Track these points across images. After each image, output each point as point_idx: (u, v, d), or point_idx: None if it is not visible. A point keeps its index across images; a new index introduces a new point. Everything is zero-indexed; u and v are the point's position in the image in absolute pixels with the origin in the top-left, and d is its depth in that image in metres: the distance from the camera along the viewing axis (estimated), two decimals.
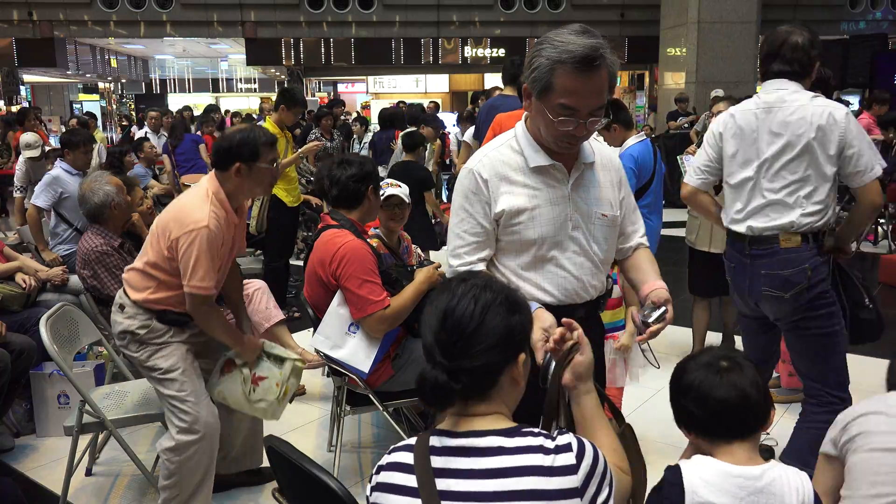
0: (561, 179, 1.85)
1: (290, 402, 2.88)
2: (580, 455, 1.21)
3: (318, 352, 2.99)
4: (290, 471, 1.75)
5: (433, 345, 1.25)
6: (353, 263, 2.70)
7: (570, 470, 1.19)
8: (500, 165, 1.84)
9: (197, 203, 2.55)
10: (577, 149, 1.85)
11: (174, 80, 28.46)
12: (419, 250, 3.61)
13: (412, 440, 1.29)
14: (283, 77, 19.90)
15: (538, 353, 1.54)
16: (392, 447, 1.31)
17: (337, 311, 2.80)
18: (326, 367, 3.42)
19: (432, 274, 2.86)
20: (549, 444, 1.22)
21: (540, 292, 1.86)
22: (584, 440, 1.25)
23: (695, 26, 11.98)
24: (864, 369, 4.25)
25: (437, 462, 1.22)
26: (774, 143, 2.62)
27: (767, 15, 13.34)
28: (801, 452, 2.66)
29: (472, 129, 5.91)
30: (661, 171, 4.37)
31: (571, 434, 1.26)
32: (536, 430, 1.26)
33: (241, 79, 28.83)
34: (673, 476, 1.50)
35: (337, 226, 2.83)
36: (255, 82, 28.60)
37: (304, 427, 3.72)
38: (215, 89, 28.65)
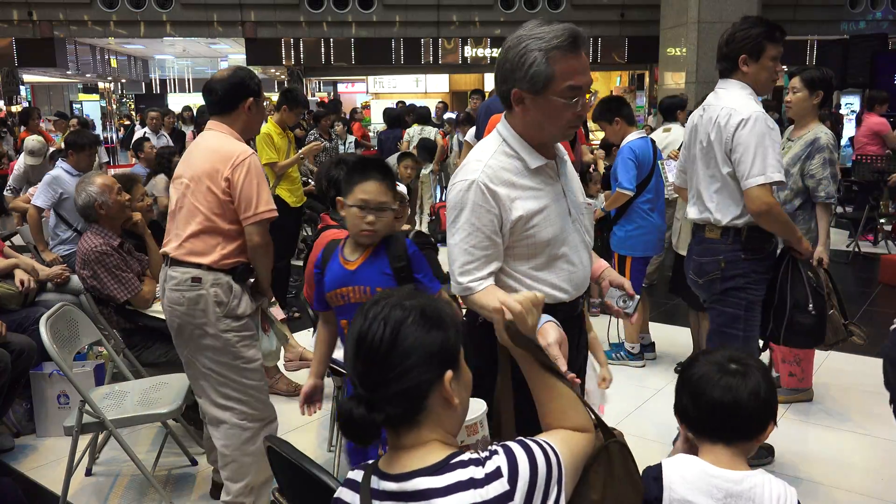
0: (554, 176, 1.88)
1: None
2: (513, 478, 1.14)
3: None
4: (290, 471, 1.75)
5: (353, 376, 1.17)
6: None
7: (506, 497, 1.12)
8: (503, 173, 1.79)
9: (227, 141, 2.64)
10: (572, 135, 1.90)
11: (174, 80, 28.46)
12: None
13: (356, 475, 1.24)
14: (283, 77, 19.89)
15: None
16: (343, 480, 1.27)
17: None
18: (337, 395, 3.42)
19: None
20: (479, 473, 1.13)
21: (556, 291, 1.86)
22: (516, 453, 1.17)
23: (695, 26, 11.98)
24: (863, 370, 4.26)
25: None
26: (700, 141, 2.88)
27: (767, 15, 13.30)
28: None
29: (473, 130, 5.91)
30: (659, 168, 4.36)
31: (501, 452, 1.17)
32: (466, 457, 1.16)
33: None
34: (653, 471, 1.51)
35: (336, 226, 2.82)
36: None
37: (303, 427, 3.72)
38: None
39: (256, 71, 24.65)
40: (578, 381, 1.59)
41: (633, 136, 4.33)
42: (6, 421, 3.65)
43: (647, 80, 17.71)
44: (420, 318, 1.17)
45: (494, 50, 16.93)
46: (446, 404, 1.19)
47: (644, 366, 4.52)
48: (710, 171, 2.84)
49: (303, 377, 4.18)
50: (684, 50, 12.34)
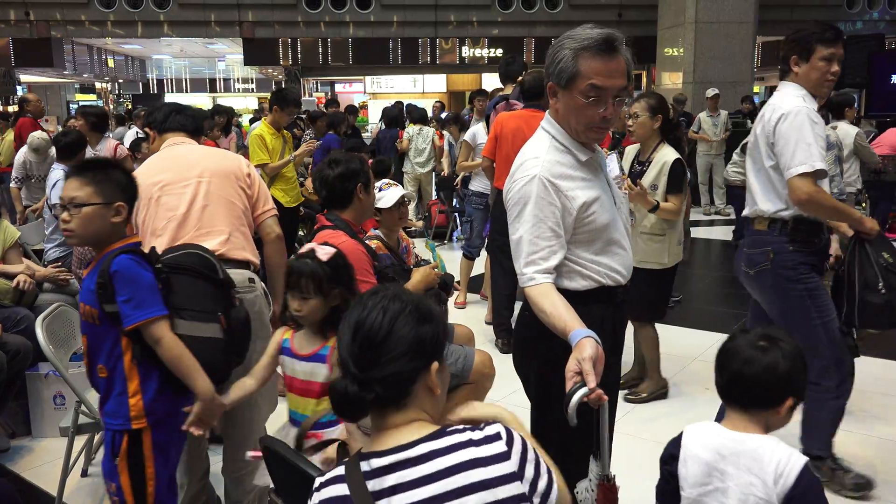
0: (598, 168, 2.01)
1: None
2: (510, 442, 1.24)
3: None
4: (286, 469, 1.75)
5: (347, 358, 1.27)
6: None
7: (503, 457, 1.22)
8: (558, 167, 1.90)
9: (227, 151, 2.87)
10: (604, 136, 1.99)
11: (171, 80, 28.45)
12: (415, 250, 3.60)
13: (339, 471, 1.27)
14: (280, 77, 19.91)
15: (568, 381, 1.62)
16: (319, 482, 1.29)
17: None
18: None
19: (429, 274, 2.86)
20: (477, 436, 1.24)
21: (614, 273, 1.99)
22: (512, 430, 1.28)
23: (692, 26, 11.99)
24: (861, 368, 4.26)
25: (372, 485, 1.22)
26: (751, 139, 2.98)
27: (765, 15, 13.36)
28: (807, 432, 3.01)
29: (474, 129, 5.90)
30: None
31: (500, 424, 1.28)
32: (461, 426, 1.27)
33: (238, 79, 28.83)
34: (679, 434, 1.71)
35: (331, 226, 2.81)
36: (252, 82, 28.59)
37: None
38: (213, 89, 28.64)
39: (253, 71, 24.66)
40: (606, 398, 1.62)
41: None
42: (2, 421, 3.64)
43: (644, 80, 17.72)
44: (415, 311, 1.29)
45: (492, 50, 16.94)
46: (429, 391, 1.30)
47: None
48: (756, 166, 2.93)
49: None
50: (682, 50, 12.35)
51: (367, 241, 2.88)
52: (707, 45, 11.97)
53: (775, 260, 2.88)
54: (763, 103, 3.20)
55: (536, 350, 2.01)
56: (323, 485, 1.28)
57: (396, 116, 9.52)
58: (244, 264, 2.62)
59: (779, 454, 1.57)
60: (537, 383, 2.08)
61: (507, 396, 4.01)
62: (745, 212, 3.05)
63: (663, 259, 3.77)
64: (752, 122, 11.08)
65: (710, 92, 9.87)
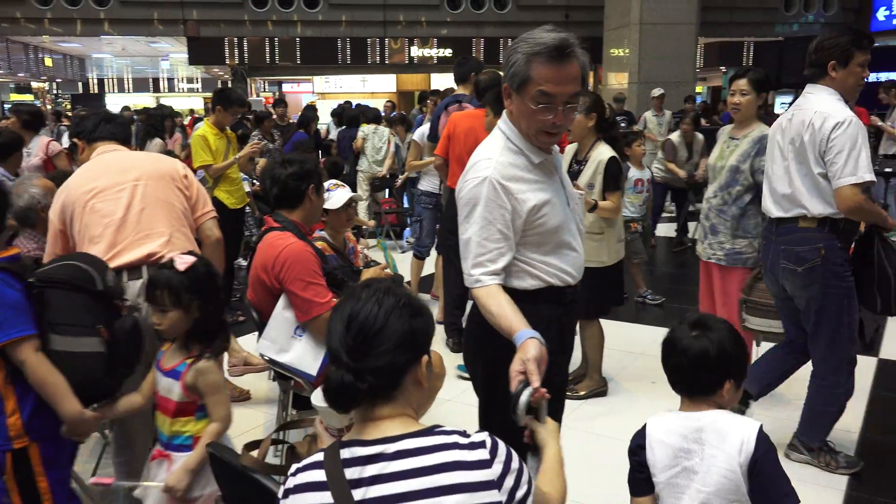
0: (553, 171, 2.02)
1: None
2: (493, 451, 1.26)
3: (262, 356, 2.93)
4: (234, 478, 1.72)
5: (339, 348, 1.28)
6: (296, 266, 2.66)
7: (484, 464, 1.24)
8: (511, 168, 1.90)
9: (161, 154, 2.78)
10: (556, 140, 1.98)
11: (113, 79, 27.70)
12: (366, 251, 3.59)
13: (318, 457, 1.28)
14: (227, 77, 19.57)
15: (513, 381, 1.63)
16: (295, 468, 1.29)
17: (282, 315, 2.75)
18: (272, 371, 3.37)
19: (378, 275, 2.84)
20: (463, 440, 1.26)
21: (564, 275, 2.01)
22: (498, 439, 1.30)
23: (637, 27, 12.22)
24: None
25: (351, 473, 1.23)
26: (792, 140, 3.03)
27: (706, 17, 13.70)
28: (811, 424, 3.18)
29: (423, 128, 5.91)
30: None
31: (486, 433, 1.30)
32: (449, 428, 1.29)
33: (183, 78, 28.23)
34: (643, 426, 1.80)
35: (280, 228, 2.78)
36: (198, 82, 28.03)
37: (249, 433, 3.66)
38: (156, 89, 27.99)
39: (199, 70, 24.17)
40: (548, 396, 1.63)
41: None
42: None
43: (591, 80, 17.99)
44: (408, 305, 1.32)
45: (441, 50, 16.97)
46: (417, 384, 1.33)
47: None
48: (803, 170, 3.00)
49: (247, 382, 4.11)
50: (627, 51, 12.58)
51: (312, 243, 2.85)
52: (651, 45, 12.22)
53: (827, 257, 2.97)
54: (703, 103, 3.25)
55: (484, 349, 2.03)
56: (299, 469, 1.28)
57: (356, 116, 9.50)
58: None
59: (736, 424, 1.67)
60: (484, 382, 2.10)
61: (459, 395, 4.02)
62: (783, 213, 3.10)
63: (602, 257, 3.82)
64: (698, 122, 11.30)
65: (656, 92, 10.07)
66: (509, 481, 1.25)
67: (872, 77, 11.47)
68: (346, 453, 1.25)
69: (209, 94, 21.57)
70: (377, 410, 1.30)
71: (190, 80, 28.20)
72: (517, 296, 1.91)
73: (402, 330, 1.29)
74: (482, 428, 2.06)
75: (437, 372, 2.98)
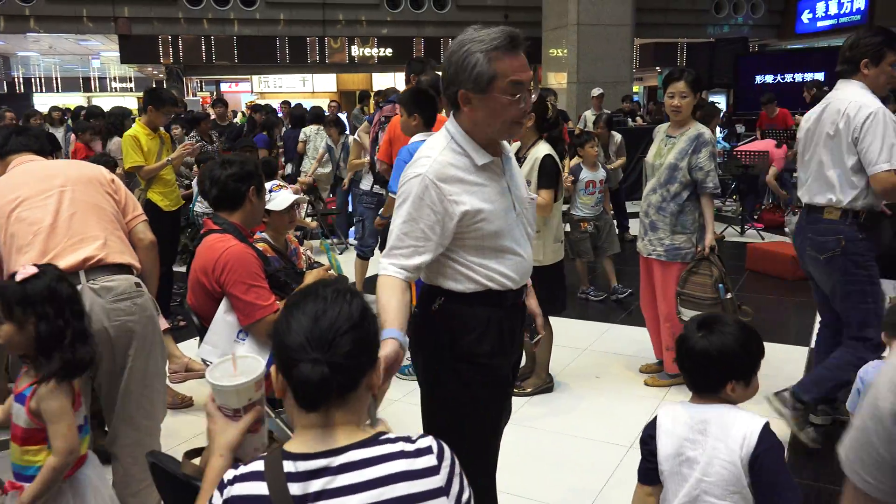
0: (499, 173, 1.98)
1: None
2: (440, 456, 1.25)
3: (205, 361, 2.87)
4: (178, 487, 1.68)
5: (303, 343, 1.22)
6: (237, 269, 2.61)
7: (432, 471, 1.22)
8: (450, 169, 1.88)
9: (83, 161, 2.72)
10: (518, 132, 2.01)
11: (40, 78, 26.65)
12: (309, 252, 3.55)
13: (257, 466, 1.23)
14: (161, 76, 19.05)
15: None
16: (231, 475, 1.23)
17: (224, 319, 2.70)
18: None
19: (323, 276, 2.82)
20: (410, 447, 1.24)
21: (504, 279, 1.98)
22: (442, 443, 1.28)
23: (574, 28, 12.41)
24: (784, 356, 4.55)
25: (295, 489, 1.18)
26: (826, 132, 3.17)
27: (640, 19, 14.02)
28: (815, 377, 3.34)
29: (364, 127, 5.89)
30: None
31: (430, 437, 1.28)
32: (394, 436, 1.27)
33: (115, 77, 27.36)
34: (654, 417, 1.86)
35: (219, 230, 2.72)
36: (131, 81, 27.21)
37: (192, 440, 3.58)
38: (87, 89, 27.04)
39: (132, 69, 23.47)
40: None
41: (419, 137, 4.02)
42: None
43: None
44: (369, 310, 1.30)
45: (382, 49, 16.91)
46: (368, 390, 1.30)
47: None
48: (834, 159, 3.14)
49: (189, 388, 4.02)
50: (565, 51, 12.76)
51: (253, 245, 2.80)
52: (589, 46, 12.43)
53: (846, 247, 3.14)
54: (636, 104, 3.36)
55: (423, 341, 2.04)
56: (237, 479, 1.22)
57: (302, 116, 9.41)
58: (127, 269, 2.49)
59: (741, 418, 1.72)
60: (424, 370, 2.10)
61: (406, 396, 4.02)
62: (813, 200, 3.25)
63: (538, 256, 3.86)
64: (633, 121, 11.53)
65: (596, 91, 10.24)
66: (455, 485, 1.24)
67: (798, 77, 11.95)
68: (289, 466, 1.20)
69: (143, 94, 20.98)
70: (330, 416, 1.25)
71: (123, 80, 27.35)
72: (453, 297, 1.93)
73: (366, 333, 1.28)
74: (427, 427, 2.08)
75: None
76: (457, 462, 1.27)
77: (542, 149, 3.84)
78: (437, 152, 1.90)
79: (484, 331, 1.86)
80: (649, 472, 1.83)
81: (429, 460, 1.23)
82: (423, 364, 2.09)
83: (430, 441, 1.26)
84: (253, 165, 2.83)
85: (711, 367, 1.76)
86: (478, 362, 1.98)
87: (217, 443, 1.43)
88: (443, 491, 1.22)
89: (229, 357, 1.52)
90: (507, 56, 1.82)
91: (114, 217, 2.55)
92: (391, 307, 1.80)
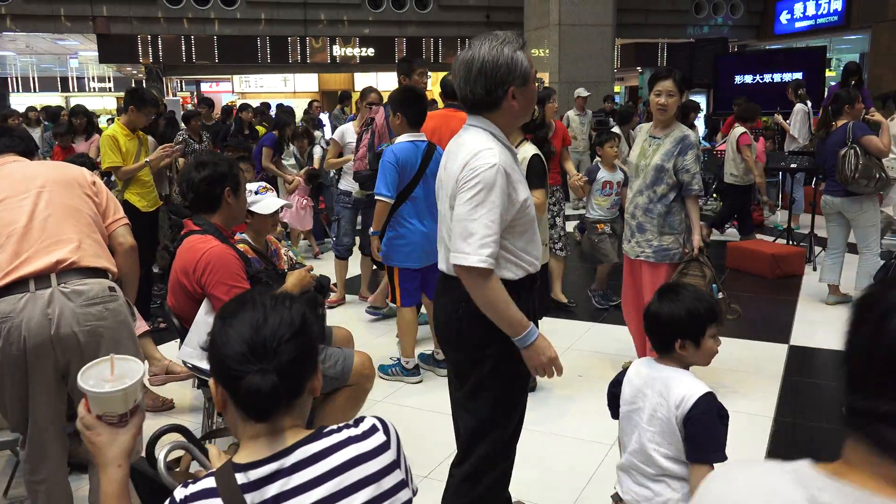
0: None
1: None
2: (387, 432, 1.28)
3: (185, 363, 2.85)
4: (155, 490, 1.66)
5: (244, 354, 1.20)
6: (218, 270, 2.59)
7: (384, 447, 1.26)
8: (510, 160, 2.08)
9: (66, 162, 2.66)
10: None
11: (17, 78, 26.28)
12: (290, 253, 3.53)
13: (207, 483, 1.19)
14: (141, 76, 18.86)
15: (539, 374, 2.15)
16: (181, 495, 1.19)
17: (205, 320, 2.68)
18: (196, 379, 3.28)
19: (304, 277, 2.80)
20: (356, 431, 1.26)
21: (536, 262, 2.19)
22: (383, 419, 1.31)
23: (556, 28, 12.44)
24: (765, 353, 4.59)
25: (251, 498, 1.16)
26: None
27: (622, 20, 14.08)
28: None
29: (343, 127, 5.86)
30: (429, 174, 4.08)
31: (369, 416, 1.31)
32: (335, 426, 1.27)
33: (94, 77, 27.06)
34: (626, 367, 2.15)
35: (200, 231, 2.70)
36: (110, 81, 26.91)
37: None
38: (65, 89, 26.71)
39: (110, 69, 23.18)
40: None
41: (403, 138, 4.06)
42: None
43: None
44: (308, 316, 1.29)
45: (364, 49, 16.85)
46: (311, 394, 1.30)
47: (421, 381, 4.24)
48: None
49: (170, 391, 3.98)
50: (547, 51, 12.79)
51: (234, 245, 2.78)
52: (571, 46, 12.47)
53: None
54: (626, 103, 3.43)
55: (467, 336, 2.15)
56: (189, 498, 1.18)
57: (291, 114, 9.42)
58: (101, 272, 2.45)
59: (685, 383, 1.94)
60: (469, 364, 2.18)
61: (390, 396, 4.01)
62: None
63: None
64: (615, 121, 11.62)
65: (582, 92, 10.26)
66: (403, 457, 1.28)
67: (777, 77, 12.04)
68: (241, 477, 1.18)
69: (123, 94, 20.78)
70: (278, 422, 1.24)
71: (101, 80, 27.04)
72: (507, 286, 2.05)
73: (307, 339, 1.26)
74: (489, 427, 2.21)
75: (367, 373, 2.96)
76: (398, 434, 1.31)
77: (529, 149, 3.86)
78: (498, 146, 2.05)
79: (526, 315, 2.06)
80: (615, 411, 2.13)
81: (378, 438, 1.26)
82: (468, 358, 2.18)
83: (373, 420, 1.29)
84: (227, 166, 2.80)
85: (663, 329, 2.00)
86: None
87: (109, 455, 1.38)
88: (396, 464, 1.25)
89: (99, 360, 1.45)
90: (528, 54, 2.10)
91: (91, 220, 2.51)
92: (514, 308, 2.02)
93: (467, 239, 1.97)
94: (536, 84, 2.17)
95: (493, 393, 2.18)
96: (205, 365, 2.68)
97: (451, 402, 2.41)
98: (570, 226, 7.36)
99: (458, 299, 2.10)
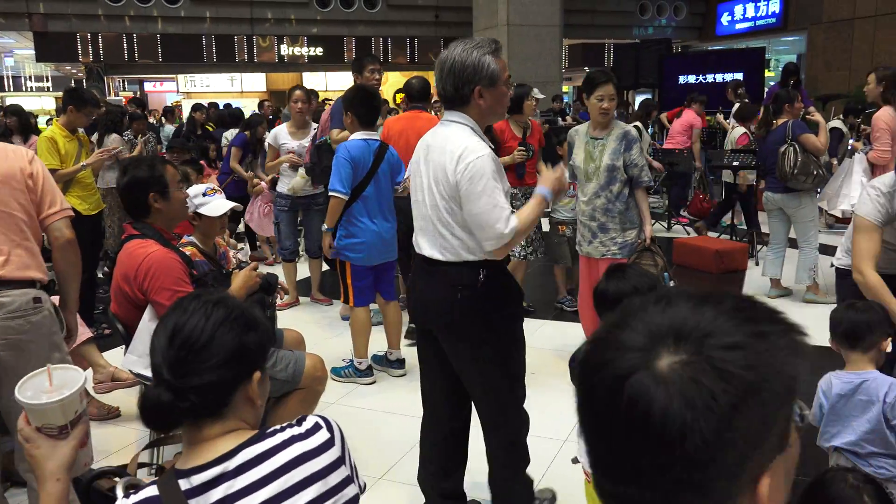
0: None
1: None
2: (330, 429, 1.27)
3: (131, 371, 2.78)
4: (102, 501, 1.62)
5: (161, 363, 1.21)
6: (160, 275, 2.52)
7: (328, 444, 1.24)
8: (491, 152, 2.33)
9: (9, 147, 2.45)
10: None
11: None
12: (240, 255, 3.47)
13: (150, 492, 1.17)
14: (80, 75, 18.30)
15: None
16: (124, 499, 1.18)
17: (148, 327, 2.61)
18: (143, 387, 3.19)
19: (249, 277, 2.74)
20: (299, 430, 1.24)
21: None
22: (326, 417, 1.30)
23: (504, 28, 12.53)
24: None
25: (196, 503, 1.15)
26: None
27: (569, 20, 14.26)
28: None
29: (276, 130, 5.76)
30: (381, 173, 4.09)
31: (311, 416, 1.29)
32: (279, 426, 1.25)
33: (31, 76, 26.16)
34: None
35: (140, 235, 2.63)
36: (47, 80, 26.05)
37: (119, 452, 3.45)
38: (0, 88, 25.77)
39: (48, 68, 22.47)
40: None
41: (356, 136, 4.05)
42: None
43: None
44: (240, 318, 1.25)
45: (312, 49, 16.69)
46: (249, 402, 1.26)
47: (374, 382, 4.22)
48: None
49: (116, 399, 3.88)
50: None
51: (180, 249, 2.72)
52: (519, 46, 12.57)
53: None
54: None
55: (471, 312, 2.37)
56: None
57: (224, 117, 9.23)
58: (28, 283, 2.35)
59: None
60: (477, 336, 2.41)
61: (343, 397, 3.98)
62: None
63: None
64: (563, 120, 11.76)
65: (537, 94, 10.27)
66: (347, 452, 1.27)
67: (719, 77, 12.34)
68: (184, 484, 1.17)
69: (61, 94, 20.14)
70: (204, 430, 1.21)
71: (39, 79, 26.16)
72: (496, 267, 2.36)
73: (231, 345, 1.22)
74: (505, 394, 2.50)
75: (319, 376, 2.94)
76: (342, 431, 1.29)
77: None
78: (477, 141, 2.30)
79: (517, 286, 2.44)
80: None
81: (322, 435, 1.25)
82: (473, 332, 2.39)
83: (315, 419, 1.28)
84: (147, 170, 2.71)
85: (611, 305, 2.02)
86: (517, 314, 2.54)
87: (48, 468, 1.33)
88: (341, 460, 1.25)
89: (38, 371, 1.41)
90: (499, 59, 2.34)
91: (24, 225, 2.38)
92: (528, 214, 2.36)
93: (495, 224, 2.23)
94: (511, 85, 2.33)
95: (497, 363, 2.44)
96: (149, 373, 2.62)
97: (430, 379, 2.61)
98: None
99: (455, 285, 2.34)
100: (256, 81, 20.18)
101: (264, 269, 3.06)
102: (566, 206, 5.51)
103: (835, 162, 7.30)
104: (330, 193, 3.97)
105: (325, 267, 5.90)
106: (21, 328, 2.28)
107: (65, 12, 14.75)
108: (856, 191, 5.58)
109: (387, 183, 4.11)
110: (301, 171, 5.38)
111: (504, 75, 2.35)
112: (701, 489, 0.59)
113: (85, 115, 4.91)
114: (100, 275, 5.53)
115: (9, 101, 19.22)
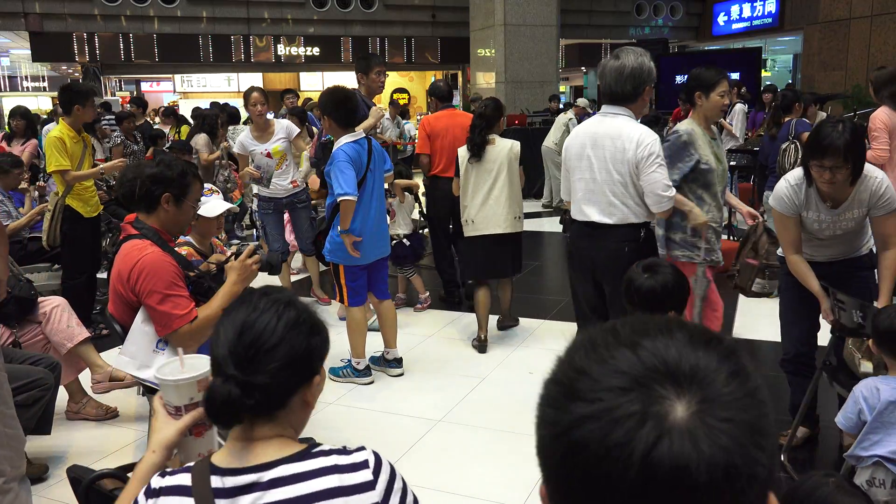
0: None
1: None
2: (377, 471, 1.21)
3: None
4: (101, 502, 1.61)
5: (226, 357, 1.19)
6: (151, 278, 2.49)
7: (368, 486, 1.18)
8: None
9: None
10: None
11: None
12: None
13: (183, 479, 1.18)
14: (77, 75, 18.26)
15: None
16: (157, 485, 1.19)
17: (141, 329, 2.59)
18: (141, 387, 3.19)
19: (244, 268, 2.61)
20: (344, 461, 1.20)
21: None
22: (381, 456, 1.24)
23: (501, 28, 12.53)
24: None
25: None
26: None
27: (565, 21, 14.28)
28: None
29: (240, 138, 5.58)
30: (371, 175, 4.10)
31: (369, 450, 1.24)
32: (328, 448, 1.23)
33: (27, 76, 26.10)
34: None
35: (138, 235, 2.61)
36: (44, 80, 25.99)
37: (118, 452, 3.45)
38: None
39: (45, 68, 22.39)
40: None
41: (344, 139, 4.03)
42: None
43: (460, 79, 18.29)
44: (308, 321, 1.25)
45: (308, 48, 16.67)
46: (305, 405, 1.27)
47: (372, 382, 4.23)
48: None
49: (114, 399, 3.87)
50: (493, 51, 12.88)
51: (175, 250, 2.69)
52: (516, 46, 12.58)
53: None
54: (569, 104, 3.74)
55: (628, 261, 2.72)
56: (163, 491, 1.18)
57: (235, 115, 9.25)
58: None
59: None
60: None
61: (341, 398, 3.98)
62: None
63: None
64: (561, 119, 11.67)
65: (582, 102, 10.00)
66: (395, 501, 1.21)
67: None
68: (216, 482, 1.16)
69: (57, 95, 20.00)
70: (256, 430, 1.21)
71: (35, 79, 26.10)
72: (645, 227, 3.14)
73: (299, 347, 1.22)
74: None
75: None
76: (398, 478, 1.23)
77: (507, 142, 4.65)
78: (643, 126, 3.02)
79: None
80: None
81: (364, 475, 1.19)
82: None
83: (366, 455, 1.22)
84: (177, 172, 2.65)
85: (659, 302, 2.24)
86: None
87: (153, 439, 1.40)
88: None
89: (175, 359, 1.51)
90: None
91: None
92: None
93: (667, 190, 2.99)
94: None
95: None
96: (142, 374, 2.60)
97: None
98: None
99: (624, 240, 3.06)
100: (253, 81, 20.11)
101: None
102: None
103: None
104: (339, 199, 3.88)
105: (322, 267, 5.90)
106: None
107: (61, 12, 14.71)
108: None
109: (380, 175, 4.15)
110: (304, 157, 5.44)
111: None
112: None
113: (90, 108, 4.86)
114: (105, 275, 5.51)
115: (5, 102, 19.19)
